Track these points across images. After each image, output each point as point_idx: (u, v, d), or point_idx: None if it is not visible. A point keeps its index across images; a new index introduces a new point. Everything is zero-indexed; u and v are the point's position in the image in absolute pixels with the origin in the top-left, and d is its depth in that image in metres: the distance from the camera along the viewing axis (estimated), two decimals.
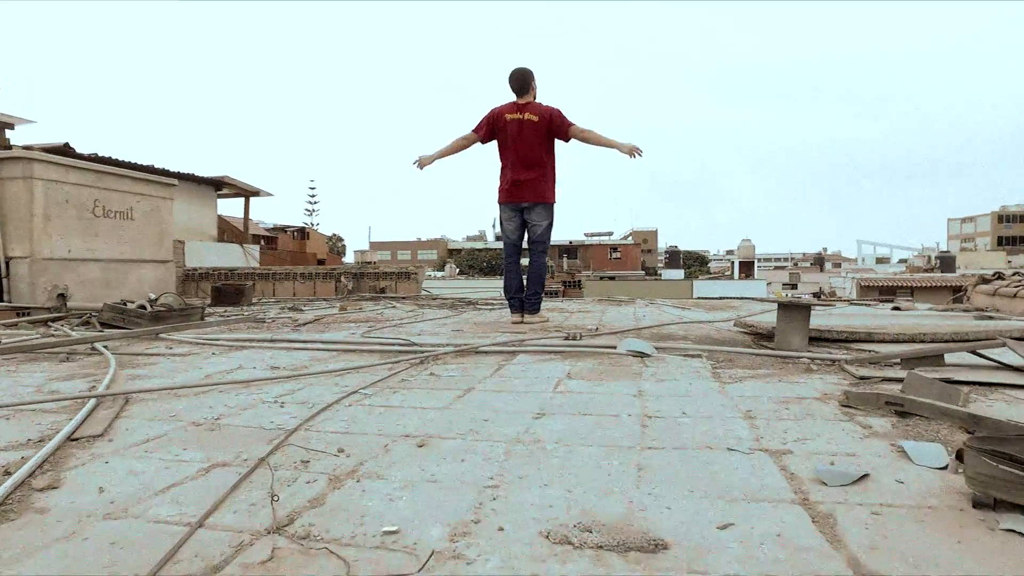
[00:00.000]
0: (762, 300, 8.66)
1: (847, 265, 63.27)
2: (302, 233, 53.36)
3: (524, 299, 4.83)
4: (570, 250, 58.51)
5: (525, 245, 4.96)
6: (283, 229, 51.89)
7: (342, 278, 9.60)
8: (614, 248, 56.67)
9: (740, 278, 37.70)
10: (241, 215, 17.44)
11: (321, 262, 54.80)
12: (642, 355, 2.90)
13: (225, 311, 6.10)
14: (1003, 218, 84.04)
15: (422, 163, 4.83)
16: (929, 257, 65.75)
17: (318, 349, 3.22)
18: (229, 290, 7.27)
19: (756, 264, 40.37)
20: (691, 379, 2.36)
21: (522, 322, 4.80)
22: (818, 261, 59.83)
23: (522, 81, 4.72)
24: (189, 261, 11.22)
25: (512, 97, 4.78)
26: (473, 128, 4.79)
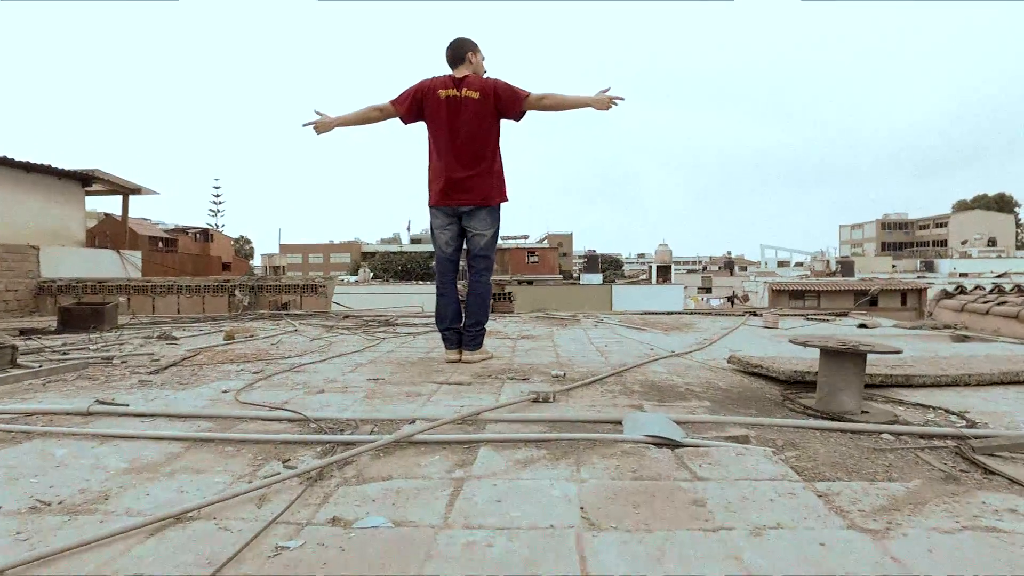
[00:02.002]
0: (712, 313, 7.97)
1: (752, 269, 65.89)
2: (205, 235, 49.79)
3: (463, 331, 3.76)
4: None
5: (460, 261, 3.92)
6: (184, 231, 48.14)
7: (236, 292, 8.14)
8: (532, 252, 56.32)
9: (658, 282, 38.03)
10: (133, 215, 15.26)
11: (226, 266, 51.39)
12: (670, 443, 1.90)
13: (64, 344, 4.65)
14: (885, 225, 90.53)
15: (319, 128, 3.72)
16: (828, 262, 69.49)
17: (153, 437, 2.02)
18: (82, 312, 5.75)
19: (673, 269, 40.92)
20: (793, 512, 1.38)
21: (460, 360, 3.73)
22: (728, 265, 61.91)
23: (457, 49, 3.67)
24: (45, 271, 9.34)
25: (447, 70, 3.72)
26: (392, 99, 3.71)
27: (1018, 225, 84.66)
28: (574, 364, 3.70)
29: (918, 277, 45.06)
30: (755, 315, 7.88)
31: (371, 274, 53.23)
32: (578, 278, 56.29)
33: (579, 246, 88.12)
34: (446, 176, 3.62)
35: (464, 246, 3.83)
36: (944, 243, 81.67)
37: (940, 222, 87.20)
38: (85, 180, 11.12)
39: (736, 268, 61.56)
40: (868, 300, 33.90)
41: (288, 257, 60.94)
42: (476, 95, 3.60)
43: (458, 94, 3.59)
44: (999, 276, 43.81)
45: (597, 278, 39.06)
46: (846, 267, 42.40)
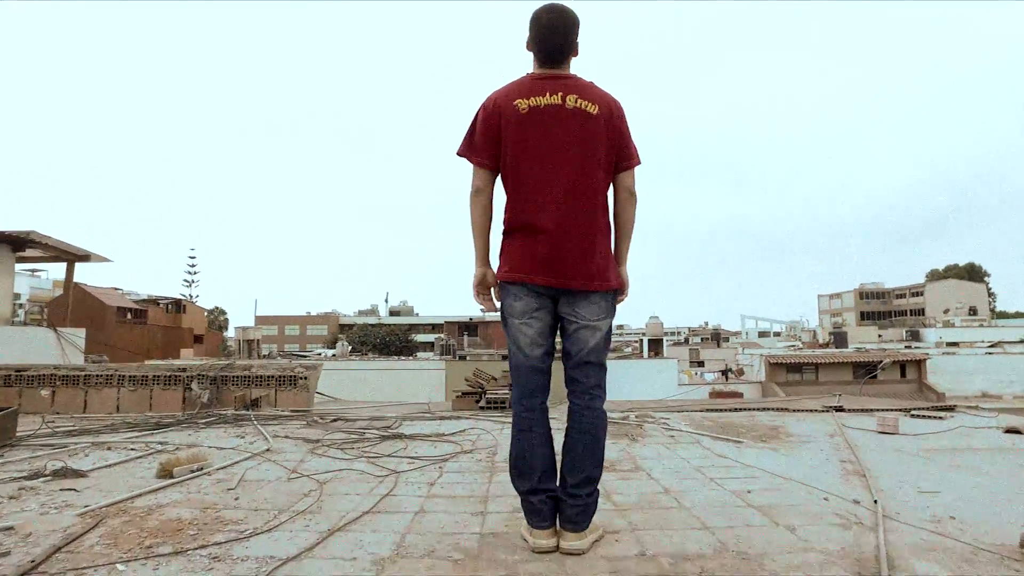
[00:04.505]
0: (788, 410, 6.46)
1: (734, 340, 64.91)
2: (178, 306, 47.68)
3: (564, 496, 2.19)
4: (470, 327, 56.16)
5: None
6: (155, 301, 45.96)
7: (193, 384, 6.44)
8: None
9: (650, 356, 36.59)
10: (107, 285, 13.50)
11: (198, 338, 49.05)
12: None
13: None
14: (863, 295, 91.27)
15: (488, 296, 2.41)
16: (814, 332, 69.02)
17: None
18: None
19: (666, 343, 39.61)
20: None
21: (559, 549, 2.15)
22: (715, 337, 60.96)
23: (569, 28, 2.24)
24: None
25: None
26: (466, 151, 2.31)
27: (989, 294, 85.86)
28: (742, 545, 2.15)
29: (906, 347, 44.33)
30: (840, 410, 6.42)
31: (349, 347, 51.02)
32: None
33: None
34: (543, 237, 2.18)
35: (560, 347, 2.32)
36: (922, 312, 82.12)
37: (916, 291, 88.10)
38: (16, 244, 9.40)
39: (727, 341, 60.55)
40: (871, 374, 32.80)
41: (263, 329, 58.52)
42: (593, 108, 2.22)
43: (560, 103, 2.20)
44: (992, 346, 43.32)
45: None
46: (839, 338, 41.54)
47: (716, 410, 6.57)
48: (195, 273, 71.89)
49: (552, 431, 2.29)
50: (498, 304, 2.36)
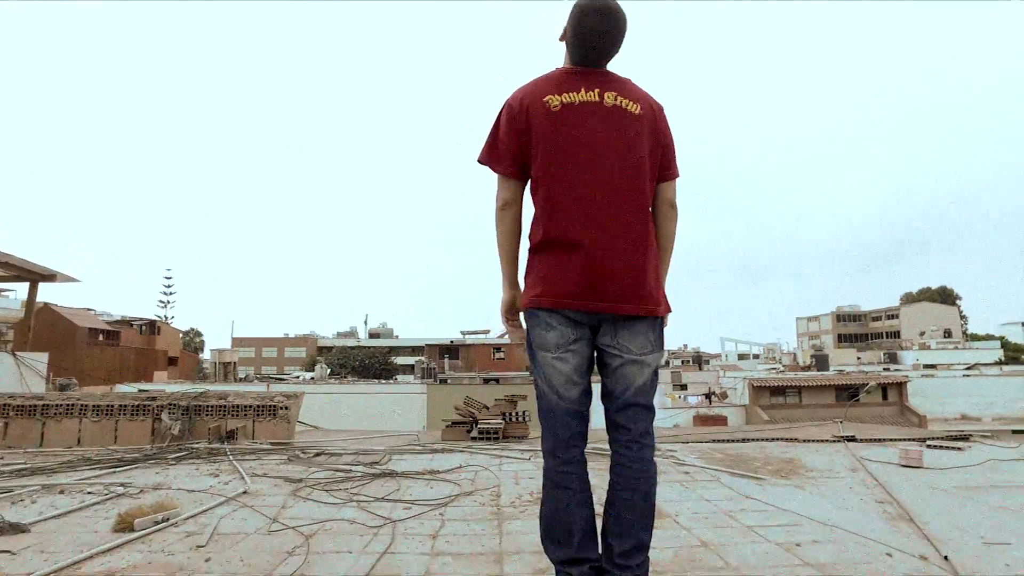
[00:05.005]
0: (797, 441, 6.13)
1: (715, 362, 64.94)
2: (152, 327, 46.57)
3: (612, 565, 1.80)
4: (451, 350, 55.53)
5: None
6: (129, 323, 44.84)
7: (164, 414, 5.95)
8: (497, 348, 54.40)
9: None
10: (80, 306, 12.82)
11: (172, 360, 47.82)
12: None
13: None
14: (840, 317, 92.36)
15: (519, 323, 2.06)
16: (794, 355, 69.45)
17: None
18: None
19: None
20: None
21: None
22: (696, 359, 60.99)
23: (618, 33, 1.94)
24: None
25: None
26: (488, 159, 1.99)
27: (961, 316, 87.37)
28: None
29: (884, 369, 44.68)
30: (852, 439, 6.12)
31: (328, 370, 50.03)
32: None
33: None
34: (582, 252, 1.83)
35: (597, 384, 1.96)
36: (897, 334, 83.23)
37: (891, 314, 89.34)
38: None
39: (707, 363, 60.57)
40: (855, 397, 32.79)
41: (240, 351, 57.27)
42: (635, 108, 1.94)
43: (597, 100, 1.90)
44: (969, 368, 43.77)
45: None
46: (820, 361, 41.65)
47: (722, 440, 6.23)
48: (171, 294, 70.54)
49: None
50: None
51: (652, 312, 1.87)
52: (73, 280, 11.29)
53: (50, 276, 10.53)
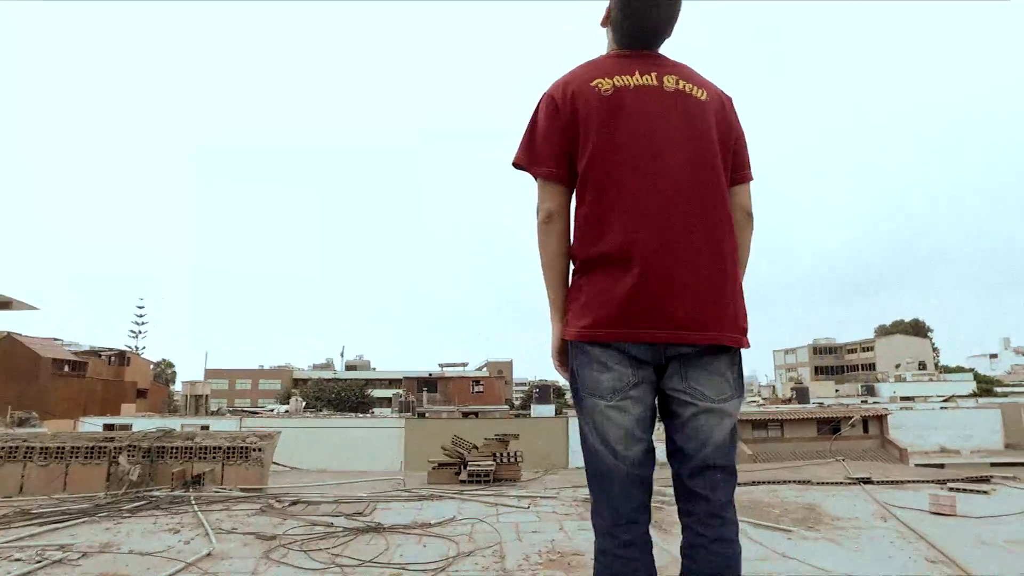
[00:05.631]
0: (811, 483, 5.74)
1: None
2: (121, 358, 45.19)
3: None
4: (429, 383, 54.62)
5: None
6: (97, 353, 43.45)
7: (121, 458, 5.38)
8: (476, 381, 53.65)
9: None
10: (46, 335, 12.00)
11: (142, 392, 46.29)
12: None
13: None
14: (817, 350, 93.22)
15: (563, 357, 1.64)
16: (773, 387, 69.68)
17: None
18: None
19: None
20: None
21: None
22: None
23: (671, 6, 1.62)
24: None
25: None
26: (526, 159, 1.62)
27: (933, 349, 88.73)
28: None
29: (862, 402, 44.79)
30: (868, 482, 5.75)
31: (303, 403, 48.73)
32: (522, 407, 53.51)
33: (517, 373, 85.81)
34: (644, 269, 1.45)
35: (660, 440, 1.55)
36: (872, 366, 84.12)
37: (867, 346, 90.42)
38: None
39: None
40: (836, 430, 32.68)
41: (212, 383, 55.63)
42: (701, 94, 1.62)
43: (656, 84, 1.58)
44: (946, 400, 44.06)
45: (549, 409, 36.36)
46: (801, 393, 41.64)
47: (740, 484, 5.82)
48: (143, 324, 68.86)
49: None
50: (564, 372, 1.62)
51: (736, 343, 1.49)
52: (31, 308, 10.61)
53: (4, 303, 9.88)
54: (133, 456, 5.36)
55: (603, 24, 1.72)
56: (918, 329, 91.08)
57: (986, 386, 56.38)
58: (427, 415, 38.47)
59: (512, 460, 6.71)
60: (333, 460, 23.60)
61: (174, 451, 5.47)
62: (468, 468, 6.39)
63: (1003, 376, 72.74)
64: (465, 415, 39.11)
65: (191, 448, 5.50)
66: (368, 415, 43.33)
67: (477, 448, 6.88)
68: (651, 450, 1.50)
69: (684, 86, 1.59)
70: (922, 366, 70.69)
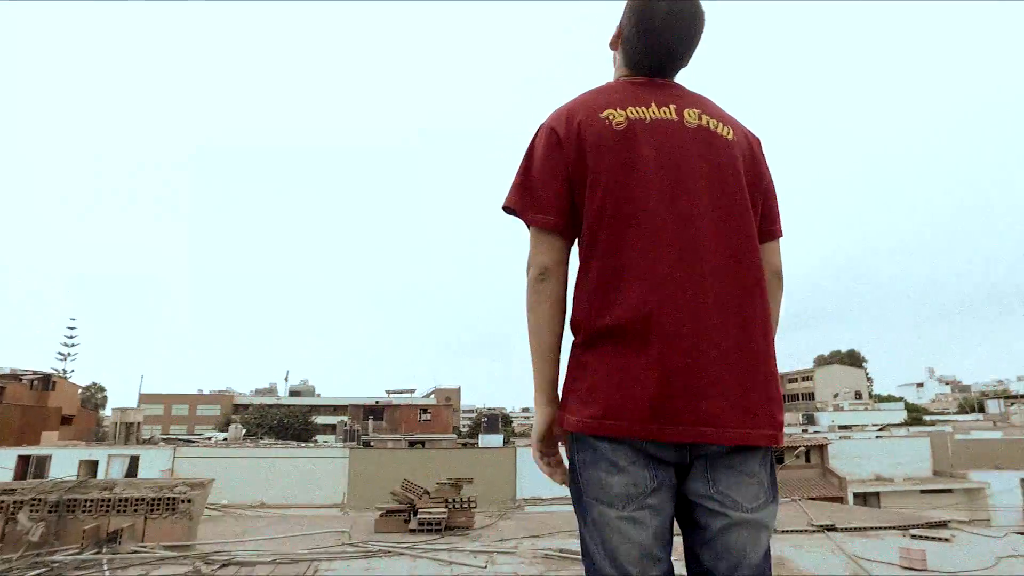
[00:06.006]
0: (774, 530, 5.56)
1: None
2: (46, 382, 42.33)
3: None
4: (375, 411, 53.33)
5: None
6: (17, 377, 40.62)
7: (21, 514, 4.76)
8: (424, 409, 52.69)
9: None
10: None
11: (67, 419, 43.49)
12: None
13: None
14: None
15: (558, 457, 1.33)
16: None
17: None
18: None
19: None
20: None
21: None
22: None
23: (698, 22, 1.40)
24: None
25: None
26: (521, 203, 1.35)
27: (868, 379, 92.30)
28: None
29: (803, 431, 45.95)
30: (832, 529, 5.62)
31: (243, 431, 46.67)
32: (470, 435, 52.75)
33: (465, 400, 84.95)
34: (666, 346, 1.17)
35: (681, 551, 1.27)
36: (812, 395, 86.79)
37: (806, 376, 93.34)
38: None
39: None
40: (780, 460, 33.23)
41: (146, 409, 52.70)
42: (727, 132, 1.39)
43: (675, 119, 1.35)
44: (880, 430, 45.57)
45: (497, 439, 35.87)
46: None
47: None
48: (73, 346, 65.13)
49: None
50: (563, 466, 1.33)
51: (772, 440, 1.22)
52: None
53: None
54: (37, 511, 4.75)
55: (612, 46, 1.52)
56: (854, 359, 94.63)
57: (915, 415, 58.69)
58: (373, 444, 37.44)
59: (464, 506, 6.33)
60: (273, 491, 22.49)
61: (88, 504, 4.88)
62: (418, 515, 5.99)
63: (928, 404, 75.96)
64: (412, 444, 38.28)
65: (109, 500, 4.92)
66: (311, 443, 41.89)
67: (429, 493, 6.47)
68: (671, 572, 1.21)
69: (708, 122, 1.37)
70: (858, 395, 73.25)
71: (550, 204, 1.31)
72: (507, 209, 1.37)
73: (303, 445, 36.18)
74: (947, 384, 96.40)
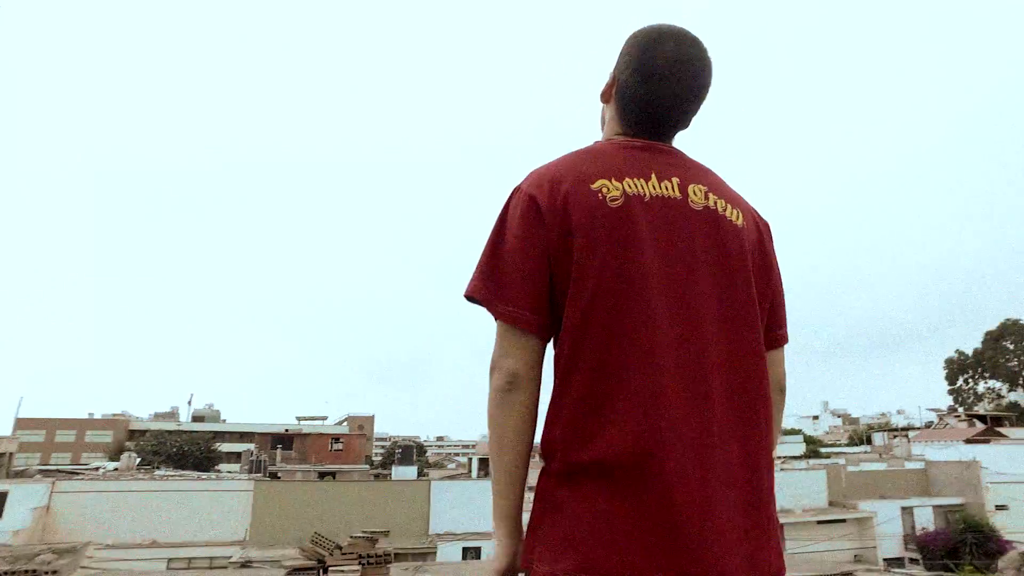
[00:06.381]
0: None
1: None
2: None
3: None
4: (284, 439, 51.19)
5: None
6: None
7: None
8: (336, 438, 51.03)
9: (480, 476, 35.22)
10: None
11: None
12: None
13: None
14: None
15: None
16: None
17: None
18: None
19: None
20: None
21: None
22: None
23: (706, 74, 1.21)
24: None
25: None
26: (489, 292, 1.10)
27: None
28: None
29: None
30: None
31: (138, 459, 43.50)
32: (383, 465, 51.35)
33: (378, 428, 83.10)
34: (666, 488, 0.98)
35: None
36: None
37: None
38: None
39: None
40: None
41: (24, 436, 48.20)
42: (737, 217, 1.20)
43: (679, 197, 1.15)
44: (783, 462, 47.79)
45: (412, 471, 34.92)
46: None
47: None
48: None
49: None
50: None
51: None
52: None
53: None
54: None
55: (604, 98, 1.31)
56: None
57: (813, 447, 61.67)
58: (280, 475, 35.81)
59: (380, 562, 6.17)
60: (168, 528, 20.94)
61: None
62: (329, 573, 5.78)
63: (823, 436, 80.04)
64: (322, 476, 36.86)
65: None
66: (213, 473, 39.58)
67: (341, 548, 6.26)
68: None
69: (716, 203, 1.17)
70: None
71: (524, 295, 1.07)
72: (470, 298, 1.13)
73: (203, 476, 34.13)
74: (839, 417, 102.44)
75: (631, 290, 1.05)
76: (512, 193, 1.17)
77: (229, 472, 40.31)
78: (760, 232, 1.24)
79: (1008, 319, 51.10)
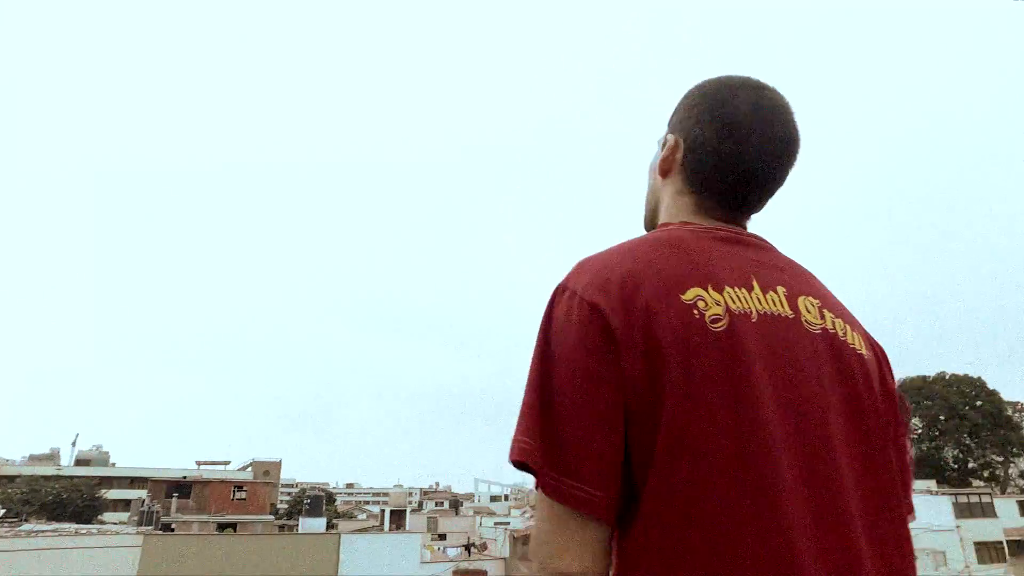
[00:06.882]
0: None
1: (467, 504, 63.95)
2: None
3: None
4: (182, 486, 47.71)
5: None
6: None
7: None
8: (239, 487, 48.12)
9: (392, 529, 33.94)
10: None
11: None
12: None
13: None
14: None
15: None
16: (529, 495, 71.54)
17: None
18: None
19: (408, 513, 37.28)
20: None
21: None
22: (453, 504, 59.95)
23: (796, 138, 0.95)
24: None
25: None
26: (547, 460, 0.74)
27: None
28: None
29: None
30: None
31: (1, 511, 39.18)
32: (289, 514, 48.71)
33: (285, 474, 79.32)
34: None
35: None
36: None
37: None
38: None
39: (461, 507, 59.70)
40: None
41: None
42: (858, 343, 0.88)
43: (789, 314, 0.83)
44: None
45: (320, 523, 33.28)
46: None
47: None
48: None
49: None
50: None
51: None
52: None
53: None
54: None
55: (663, 170, 1.01)
56: None
57: None
58: (175, 527, 33.25)
59: None
60: None
61: None
62: None
63: None
64: (221, 527, 34.61)
65: None
66: (95, 525, 36.15)
67: None
68: None
69: (833, 323, 0.87)
70: None
71: (594, 467, 0.74)
72: (519, 464, 0.78)
73: (82, 531, 31.02)
74: None
75: (747, 455, 0.73)
76: (557, 296, 0.82)
77: (114, 524, 36.89)
78: (879, 361, 0.93)
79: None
